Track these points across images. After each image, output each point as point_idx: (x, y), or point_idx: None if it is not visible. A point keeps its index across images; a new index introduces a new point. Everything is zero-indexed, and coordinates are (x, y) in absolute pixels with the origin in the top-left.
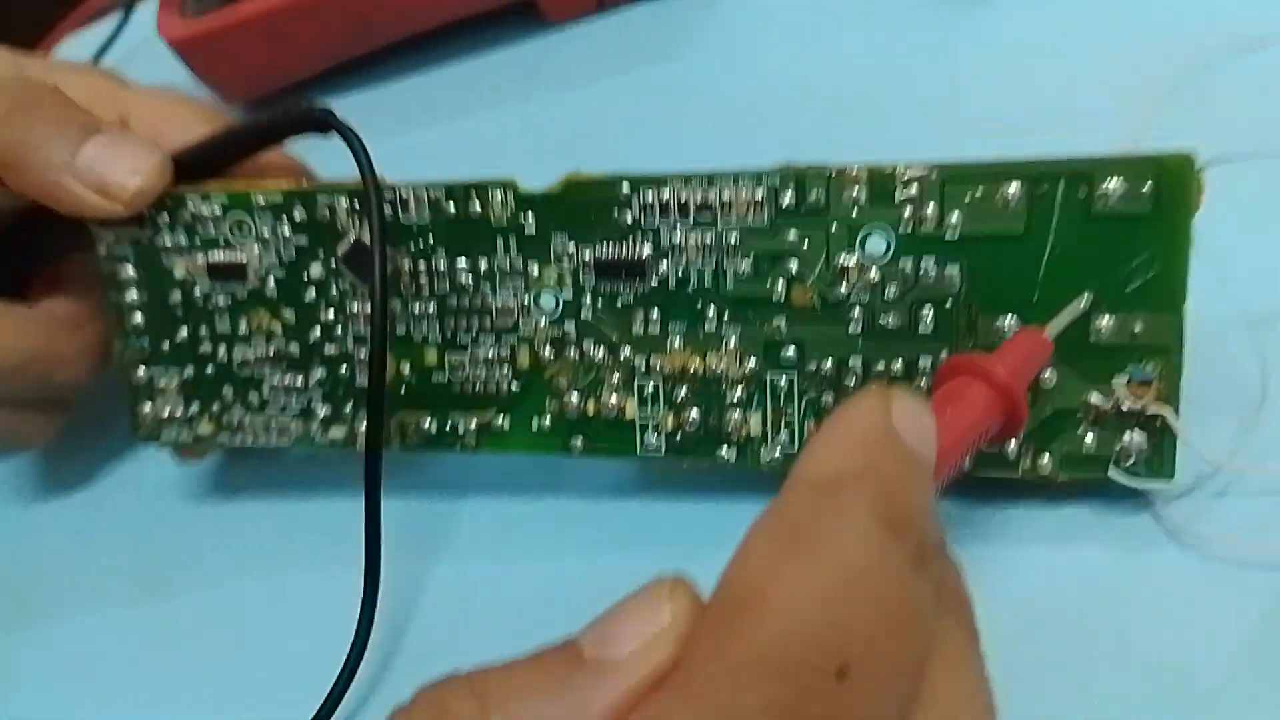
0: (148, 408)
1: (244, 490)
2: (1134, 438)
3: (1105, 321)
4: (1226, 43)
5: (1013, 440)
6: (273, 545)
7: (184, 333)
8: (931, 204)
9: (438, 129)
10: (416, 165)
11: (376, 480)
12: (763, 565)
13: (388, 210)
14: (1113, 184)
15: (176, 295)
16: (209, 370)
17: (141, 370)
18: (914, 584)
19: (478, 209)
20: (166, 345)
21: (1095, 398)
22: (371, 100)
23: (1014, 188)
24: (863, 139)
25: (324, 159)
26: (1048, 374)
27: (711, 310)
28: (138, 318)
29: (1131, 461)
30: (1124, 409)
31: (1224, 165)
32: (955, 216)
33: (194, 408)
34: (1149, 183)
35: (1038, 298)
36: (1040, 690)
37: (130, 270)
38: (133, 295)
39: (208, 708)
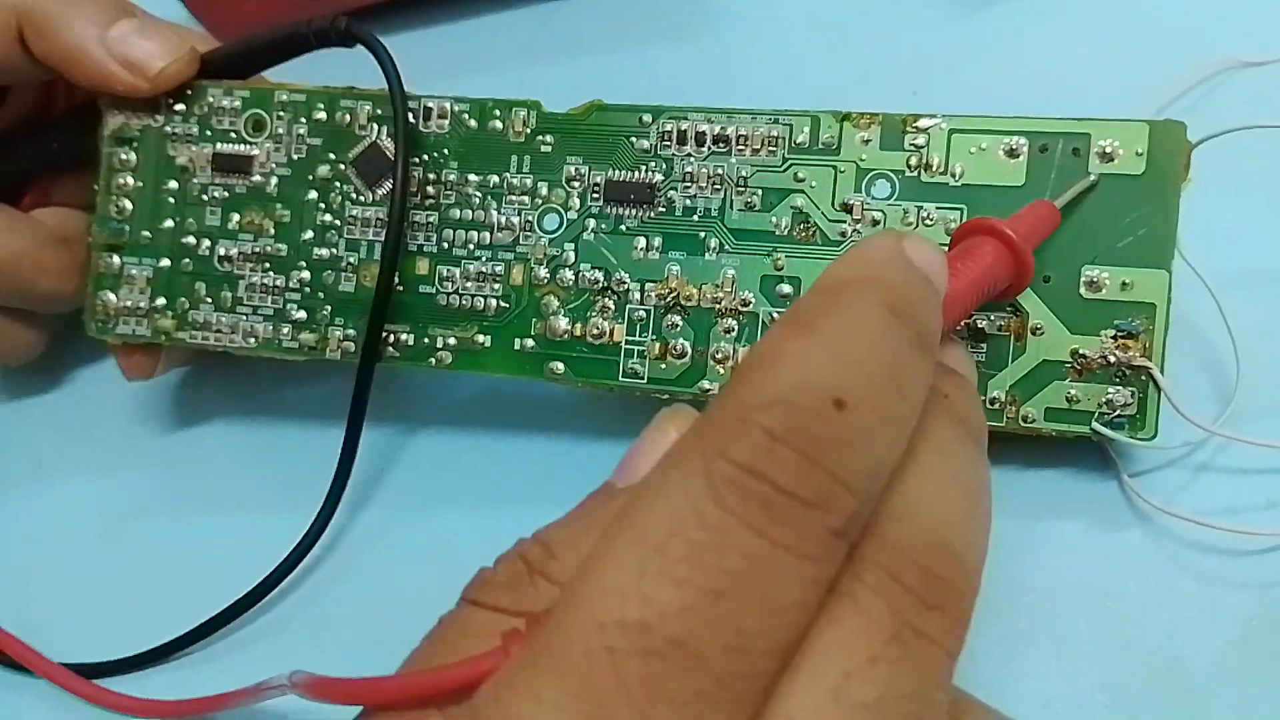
0: (109, 297)
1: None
2: (1118, 393)
3: (1096, 274)
4: (1226, 59)
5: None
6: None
7: (169, 223)
8: (938, 154)
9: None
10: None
11: (366, 385)
12: (773, 338)
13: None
14: (1109, 144)
15: (172, 184)
16: (186, 263)
17: (113, 258)
18: (911, 356)
19: (498, 125)
20: (147, 234)
21: (1083, 348)
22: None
23: (1017, 141)
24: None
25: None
26: (1038, 323)
27: (714, 241)
28: (125, 204)
29: (1115, 415)
30: (1110, 361)
31: (1211, 143)
32: (960, 166)
33: (159, 301)
34: (1143, 144)
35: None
36: (1010, 659)
37: (131, 154)
38: (126, 180)
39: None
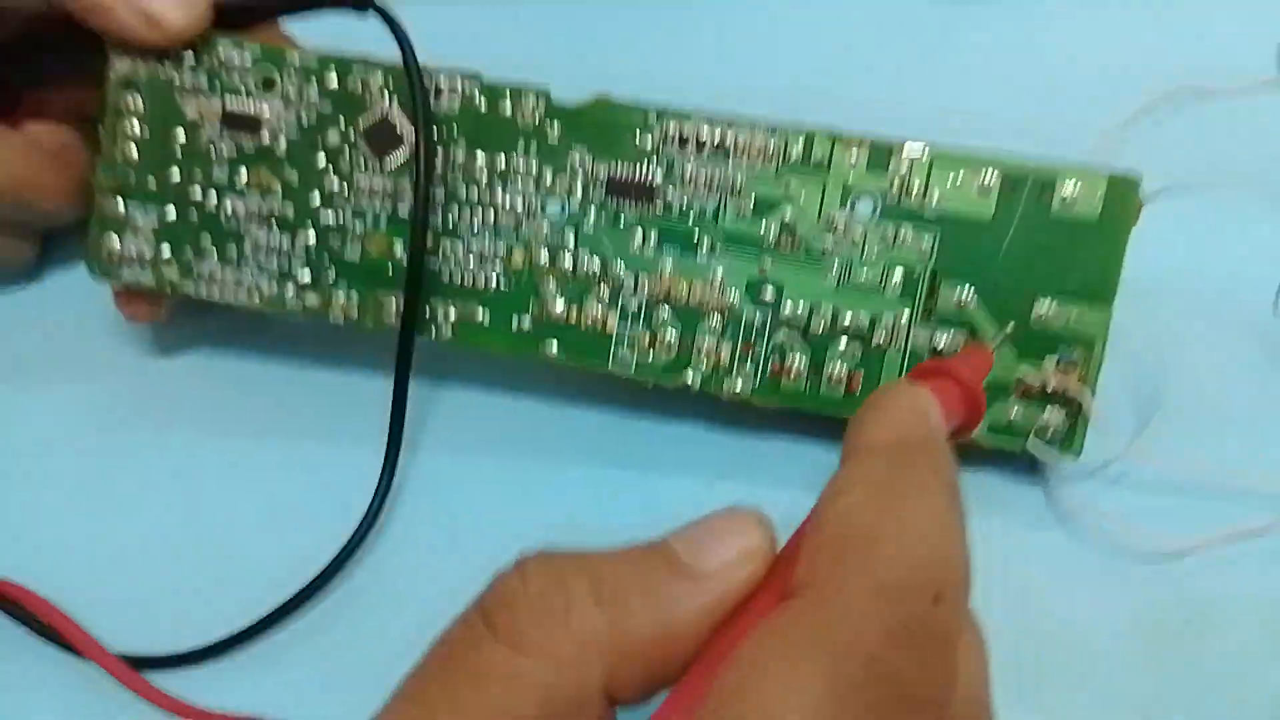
0: (113, 242)
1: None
2: (1053, 415)
3: (1045, 307)
4: (1187, 85)
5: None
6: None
7: (176, 173)
8: (918, 180)
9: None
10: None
11: (407, 360)
12: (868, 516)
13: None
14: (1070, 189)
15: (180, 135)
16: (192, 216)
17: (118, 202)
18: (961, 523)
19: (508, 110)
20: (153, 182)
21: (1027, 373)
22: None
23: (990, 177)
24: (834, 109)
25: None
26: (991, 345)
27: (706, 242)
28: (131, 149)
29: (1048, 436)
30: (1049, 388)
31: (1161, 199)
32: (936, 194)
33: (164, 250)
34: (1100, 193)
35: (993, 277)
36: None
37: (138, 101)
38: (132, 126)
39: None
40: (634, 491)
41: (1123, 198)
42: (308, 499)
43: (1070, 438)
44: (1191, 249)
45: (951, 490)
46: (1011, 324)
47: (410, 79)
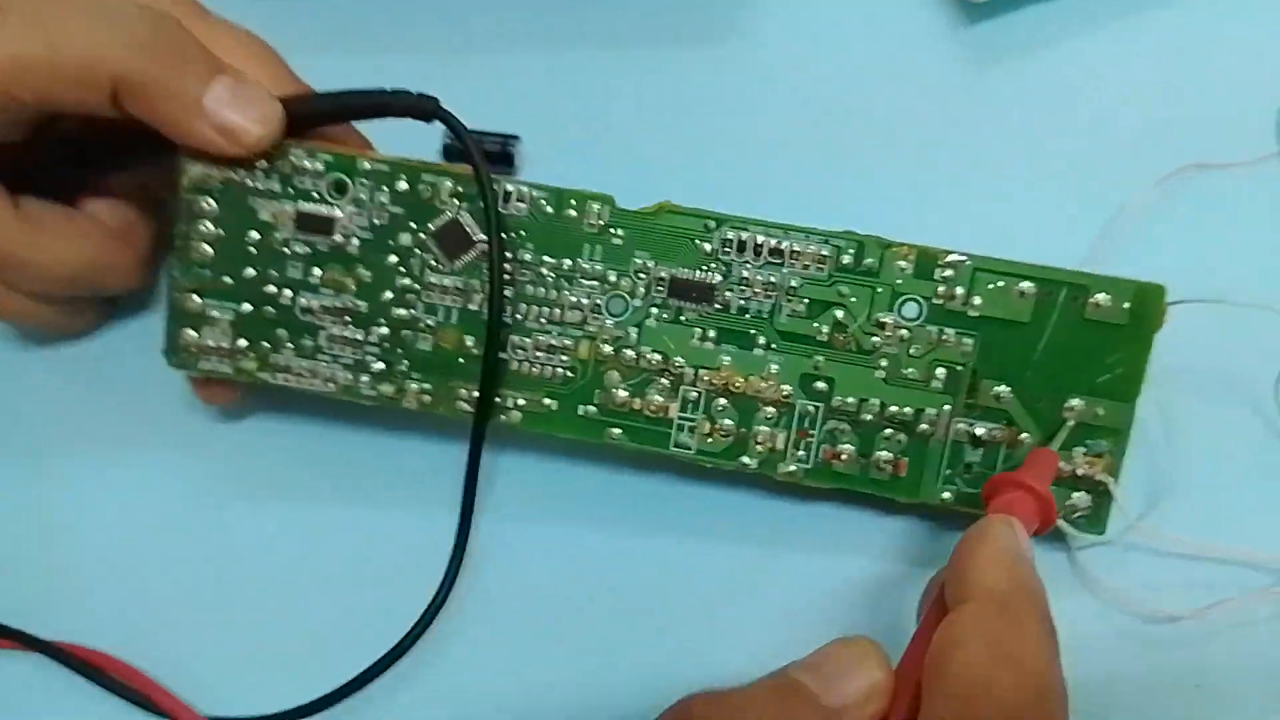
0: (191, 334)
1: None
2: (1080, 497)
3: (1076, 403)
4: (1188, 163)
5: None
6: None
7: (251, 272)
8: (961, 286)
9: (457, 58)
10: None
11: (479, 447)
12: (987, 669)
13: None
14: (1101, 297)
15: (254, 235)
16: (268, 310)
17: (195, 298)
18: (1057, 649)
19: (573, 214)
20: (229, 280)
21: (1059, 461)
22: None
23: (1028, 286)
24: (863, 169)
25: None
26: (1026, 436)
27: (762, 339)
28: (206, 250)
29: (1075, 515)
30: (1078, 473)
31: (1184, 304)
32: (978, 299)
33: (241, 343)
34: (1129, 300)
35: (1030, 375)
36: None
37: (212, 204)
38: (206, 228)
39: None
40: (693, 557)
41: (1149, 304)
42: (385, 565)
43: (1096, 518)
44: (1201, 340)
45: (1048, 623)
46: (1071, 424)
47: (481, 187)
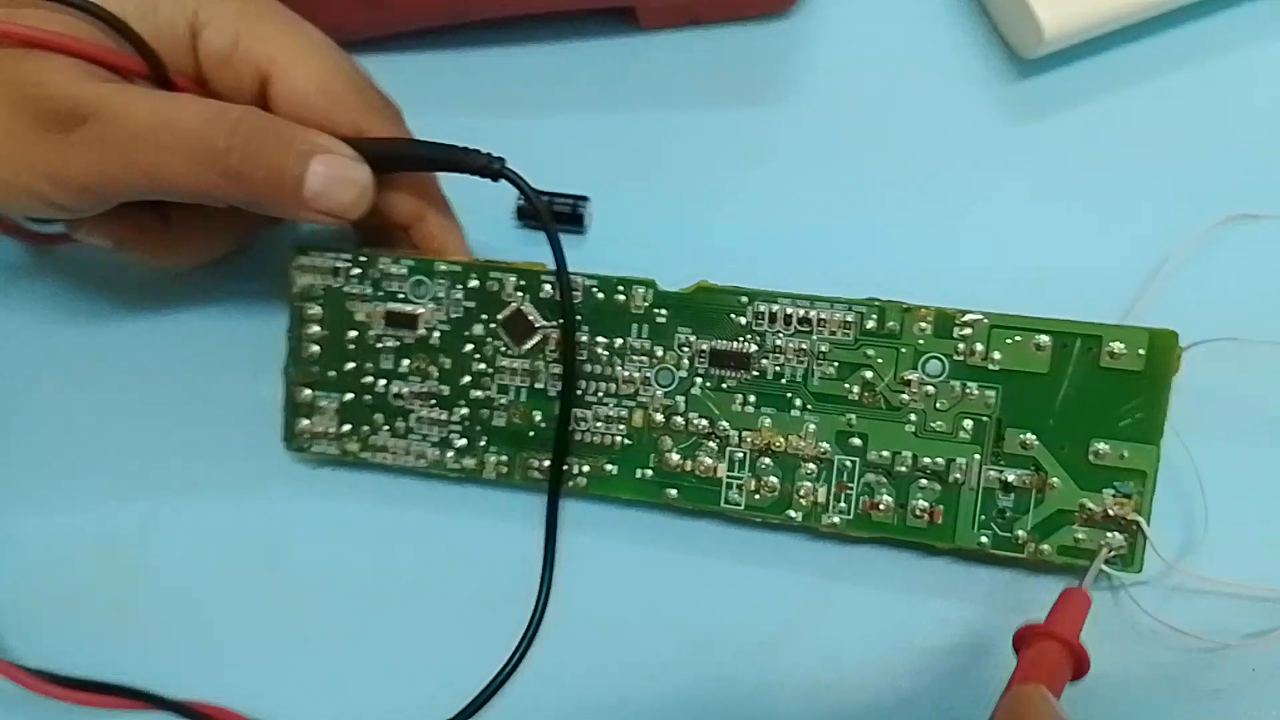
0: (305, 423)
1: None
2: (1114, 538)
3: (1101, 446)
4: (1228, 212)
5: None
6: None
7: (351, 365)
8: (980, 343)
9: (510, 115)
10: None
11: (555, 514)
12: None
13: (547, 289)
14: (1116, 346)
15: (352, 334)
16: (366, 398)
17: (306, 392)
18: None
19: (620, 298)
20: (334, 373)
21: (1089, 503)
22: (443, 68)
23: (1044, 339)
24: (907, 221)
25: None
26: (1055, 480)
27: (798, 401)
28: (314, 349)
29: (1111, 555)
30: (1109, 514)
31: (1198, 346)
32: (998, 354)
33: (345, 428)
34: (1144, 347)
35: (1053, 423)
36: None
37: (317, 308)
38: (314, 330)
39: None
40: (755, 598)
41: (1164, 350)
42: (471, 615)
43: (1131, 557)
44: (1229, 379)
45: None
46: (1108, 550)
47: (560, 281)
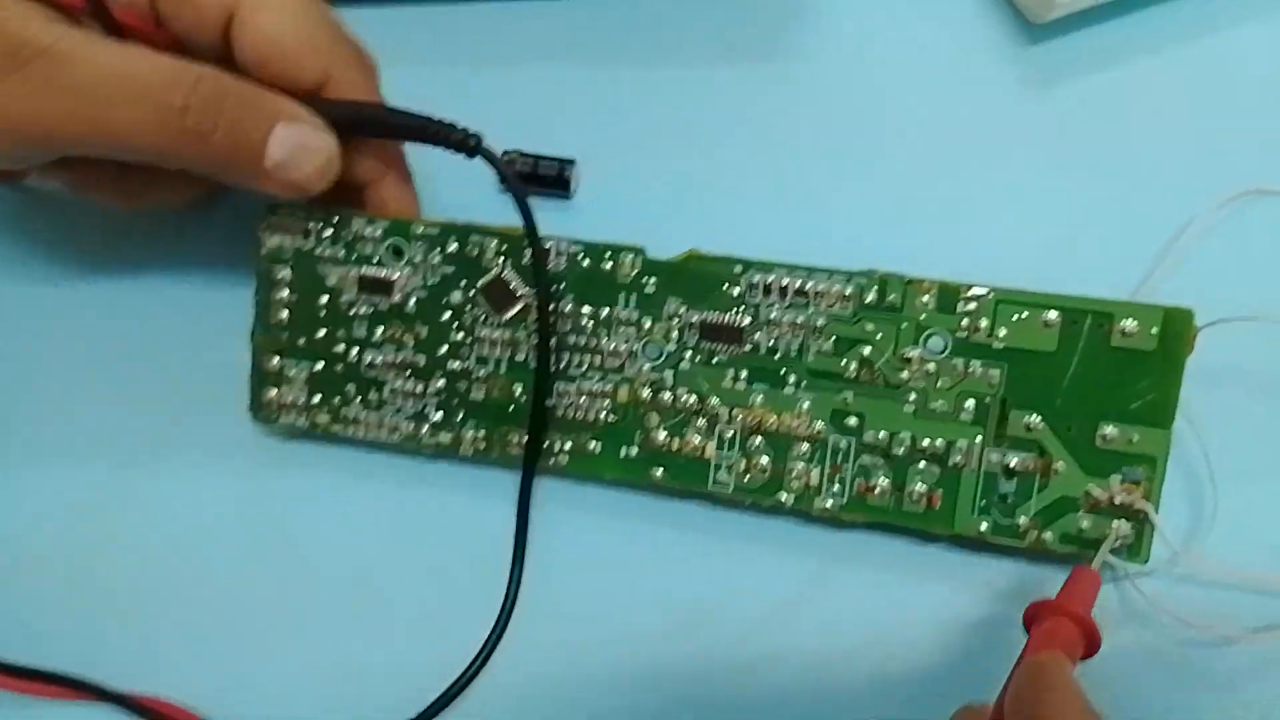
0: (273, 393)
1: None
2: (1121, 525)
3: (1109, 430)
4: (1246, 186)
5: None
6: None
7: (322, 332)
8: (985, 318)
9: (495, 68)
10: (449, 103)
11: (528, 490)
12: None
13: (528, 255)
14: (1128, 323)
15: (324, 299)
16: (338, 367)
17: (275, 359)
18: None
19: (608, 267)
20: (303, 340)
21: (1094, 489)
22: (426, 17)
23: (1052, 315)
24: (919, 190)
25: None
26: (1060, 465)
27: (792, 377)
28: (283, 314)
29: (1116, 545)
30: (1116, 501)
31: (1215, 326)
32: (1003, 331)
33: (315, 399)
34: (1157, 326)
35: (1059, 404)
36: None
37: (286, 271)
38: (283, 294)
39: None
40: (744, 580)
41: (1178, 329)
42: (445, 598)
43: (1138, 546)
44: (1243, 362)
45: None
46: (1114, 539)
47: (532, 245)
